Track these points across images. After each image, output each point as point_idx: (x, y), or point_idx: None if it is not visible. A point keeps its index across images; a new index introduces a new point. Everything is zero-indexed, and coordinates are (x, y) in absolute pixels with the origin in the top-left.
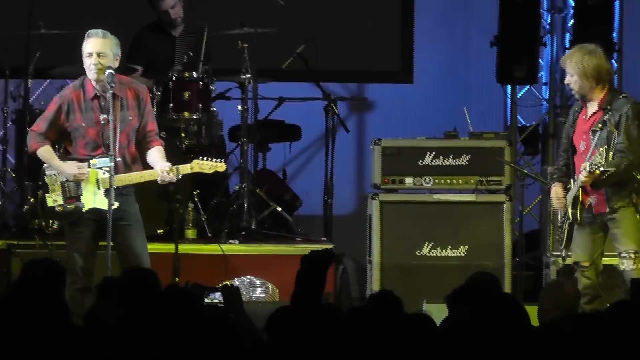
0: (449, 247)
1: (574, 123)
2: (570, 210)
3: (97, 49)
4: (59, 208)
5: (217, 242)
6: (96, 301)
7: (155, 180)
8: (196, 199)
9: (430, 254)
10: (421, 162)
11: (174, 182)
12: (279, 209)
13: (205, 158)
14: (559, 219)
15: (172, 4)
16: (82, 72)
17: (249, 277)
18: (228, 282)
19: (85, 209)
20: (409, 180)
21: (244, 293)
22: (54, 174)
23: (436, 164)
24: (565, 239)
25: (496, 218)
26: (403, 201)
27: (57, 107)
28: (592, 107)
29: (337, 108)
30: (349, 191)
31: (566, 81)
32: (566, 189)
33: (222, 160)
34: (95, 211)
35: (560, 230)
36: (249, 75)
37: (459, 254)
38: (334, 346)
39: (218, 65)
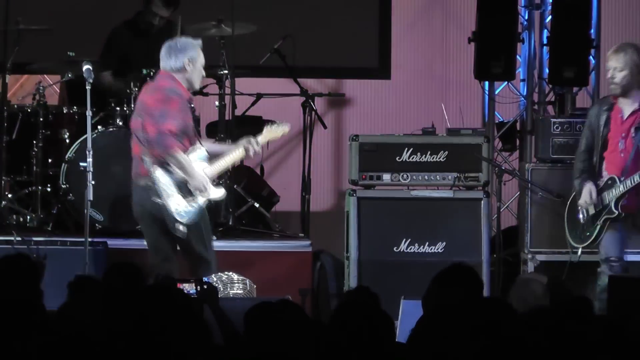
0: (427, 243)
1: (607, 123)
2: (613, 206)
3: None
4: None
5: None
6: (69, 298)
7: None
8: None
9: (408, 250)
10: (399, 159)
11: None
12: (257, 205)
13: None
14: (582, 216)
15: (166, 15)
16: (59, 68)
17: (226, 273)
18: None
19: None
20: (386, 177)
21: (222, 289)
22: (167, 176)
23: (414, 160)
24: (595, 235)
25: (474, 214)
26: (380, 197)
27: (182, 104)
28: (629, 105)
29: (314, 104)
30: (327, 187)
31: (611, 75)
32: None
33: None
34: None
35: (587, 225)
36: (226, 71)
37: (436, 250)
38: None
39: None
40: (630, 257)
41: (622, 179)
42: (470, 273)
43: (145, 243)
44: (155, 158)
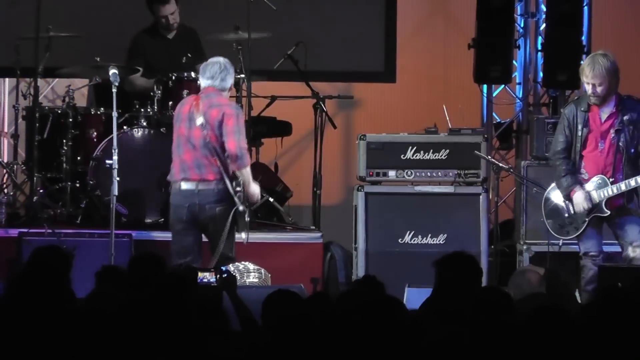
0: (429, 235)
1: (586, 124)
2: (604, 207)
3: None
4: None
5: None
6: (96, 286)
7: (159, 172)
8: None
9: (412, 241)
10: (403, 156)
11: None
12: (271, 199)
13: None
14: (569, 211)
15: (172, 10)
16: (87, 72)
17: (243, 263)
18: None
19: None
20: (392, 173)
21: (239, 278)
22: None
23: (417, 158)
24: (582, 230)
25: (473, 208)
26: (386, 192)
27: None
28: (606, 107)
29: (325, 106)
30: (336, 183)
31: (591, 91)
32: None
33: None
34: None
35: (573, 220)
36: (243, 75)
37: (438, 242)
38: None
39: None
40: (609, 248)
41: (611, 180)
42: (468, 259)
43: (170, 236)
44: (224, 168)
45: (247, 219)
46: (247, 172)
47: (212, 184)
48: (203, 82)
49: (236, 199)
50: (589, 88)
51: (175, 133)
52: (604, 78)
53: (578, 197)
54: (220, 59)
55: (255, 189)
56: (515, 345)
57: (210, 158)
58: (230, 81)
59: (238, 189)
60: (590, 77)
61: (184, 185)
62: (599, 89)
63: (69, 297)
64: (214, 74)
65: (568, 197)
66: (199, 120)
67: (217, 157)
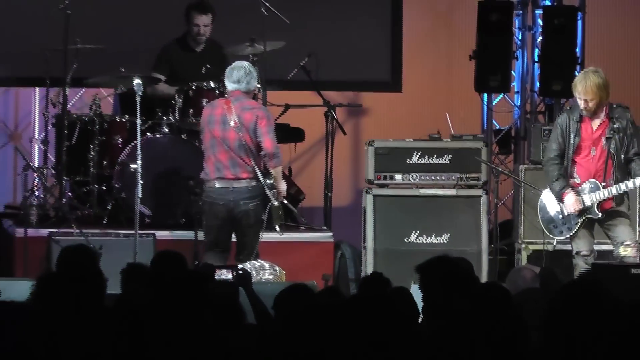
0: (433, 234)
1: (578, 133)
2: (596, 210)
3: None
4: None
5: None
6: (122, 284)
7: (180, 176)
8: None
9: (417, 240)
10: (409, 161)
11: (193, 177)
12: (285, 201)
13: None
14: (567, 213)
15: (206, 22)
16: (112, 82)
17: (259, 260)
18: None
19: None
20: (398, 177)
21: (255, 275)
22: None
23: (422, 162)
24: (575, 231)
25: (474, 209)
26: (393, 195)
27: None
28: (598, 118)
29: (335, 113)
30: (346, 186)
31: (584, 106)
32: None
33: None
34: None
35: (567, 221)
36: (258, 85)
37: (442, 241)
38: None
39: None
40: (600, 247)
41: (602, 184)
42: (451, 263)
43: (191, 235)
44: (257, 167)
45: (280, 212)
46: (279, 170)
47: (246, 182)
48: (229, 86)
49: (270, 195)
50: (581, 103)
51: (209, 134)
52: (595, 94)
53: (569, 199)
54: (245, 63)
55: (284, 185)
56: (513, 339)
57: (244, 158)
58: (254, 83)
59: (269, 181)
60: (582, 93)
61: (219, 184)
62: (590, 104)
63: (98, 292)
64: (240, 78)
65: (561, 200)
66: (233, 123)
67: (252, 157)
